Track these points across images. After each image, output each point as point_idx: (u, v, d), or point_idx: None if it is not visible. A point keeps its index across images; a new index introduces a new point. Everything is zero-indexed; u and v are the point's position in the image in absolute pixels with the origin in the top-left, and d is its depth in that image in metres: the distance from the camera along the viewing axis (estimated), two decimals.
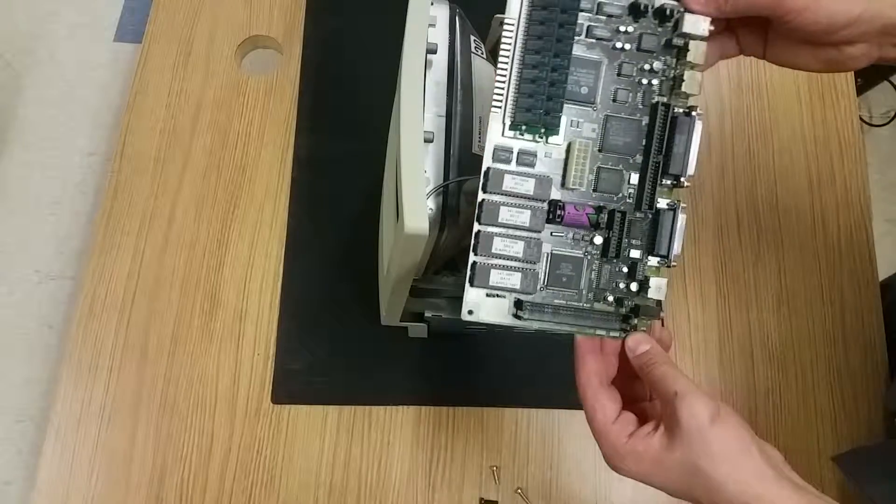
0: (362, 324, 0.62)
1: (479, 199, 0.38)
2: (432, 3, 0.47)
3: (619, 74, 0.38)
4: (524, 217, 0.38)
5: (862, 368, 0.65)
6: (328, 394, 0.61)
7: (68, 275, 1.28)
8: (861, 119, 0.99)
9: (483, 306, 0.38)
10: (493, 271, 0.38)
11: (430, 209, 0.43)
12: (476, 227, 0.38)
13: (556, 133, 0.38)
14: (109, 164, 0.67)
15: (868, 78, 1.46)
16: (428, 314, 0.56)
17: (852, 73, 0.75)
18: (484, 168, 0.38)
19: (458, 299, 0.56)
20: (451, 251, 0.48)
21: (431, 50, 0.45)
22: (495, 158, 0.38)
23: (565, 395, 0.61)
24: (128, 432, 0.59)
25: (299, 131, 0.69)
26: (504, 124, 0.38)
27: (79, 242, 1.30)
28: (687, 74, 0.38)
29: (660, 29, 0.38)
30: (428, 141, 0.44)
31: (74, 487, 0.57)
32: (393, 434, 0.60)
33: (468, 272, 0.38)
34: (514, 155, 0.38)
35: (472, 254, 0.38)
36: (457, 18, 0.49)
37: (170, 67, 0.70)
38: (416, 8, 0.43)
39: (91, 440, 0.58)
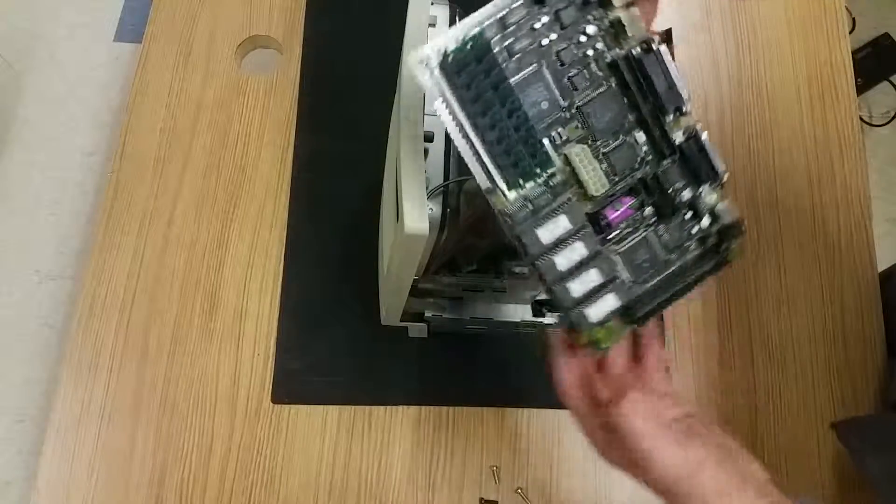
0: (362, 324, 0.62)
1: (532, 263, 0.37)
2: (432, 3, 0.47)
3: (562, 65, 0.36)
4: (579, 250, 0.37)
5: (862, 368, 0.65)
6: (328, 394, 0.61)
7: (68, 275, 1.28)
8: (861, 119, 0.99)
9: (604, 338, 0.38)
10: (587, 311, 0.38)
11: (430, 209, 0.43)
12: (546, 286, 0.37)
13: (551, 162, 0.37)
14: (109, 164, 0.67)
15: (868, 78, 1.46)
16: (428, 314, 0.56)
17: (852, 72, 0.75)
18: (516, 236, 0.37)
19: (458, 299, 0.57)
20: (451, 251, 0.48)
21: None
22: (518, 222, 0.37)
23: None
24: (128, 432, 0.59)
25: (299, 131, 0.69)
26: (503, 192, 0.36)
27: (79, 242, 1.30)
28: (624, 17, 0.36)
29: None
30: (428, 141, 0.44)
31: (74, 487, 0.57)
32: (393, 434, 0.60)
33: (570, 325, 0.38)
34: (531, 207, 0.37)
35: (561, 310, 0.38)
36: (457, 18, 0.49)
37: (170, 67, 0.70)
38: (416, 8, 0.43)
39: (91, 440, 0.58)
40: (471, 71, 0.34)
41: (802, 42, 0.76)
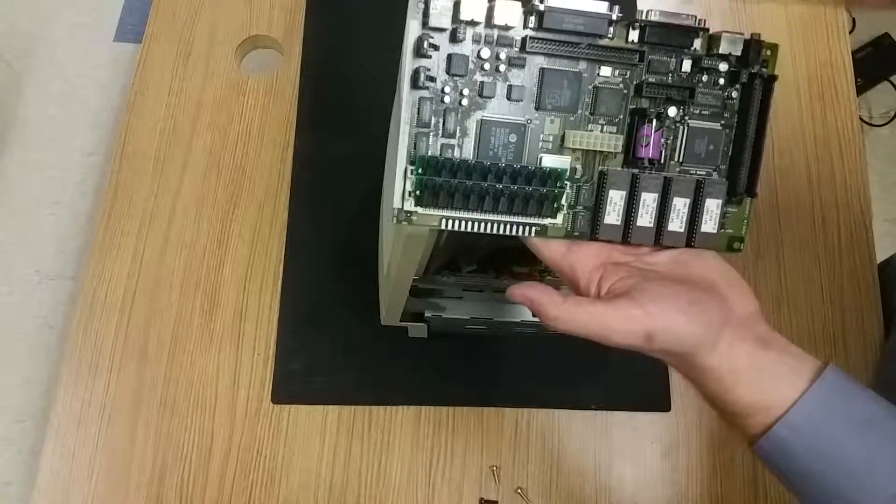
0: (362, 324, 0.62)
1: (630, 243, 0.37)
2: None
3: (489, 95, 0.35)
4: (649, 198, 0.36)
5: (862, 368, 0.65)
6: (328, 394, 0.61)
7: (68, 275, 1.28)
8: (861, 119, 0.99)
9: (736, 235, 0.38)
10: (705, 230, 0.37)
11: None
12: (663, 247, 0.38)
13: (559, 169, 0.35)
14: (109, 164, 0.67)
15: (868, 78, 1.46)
16: (428, 314, 0.56)
17: (852, 72, 0.75)
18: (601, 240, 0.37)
19: (458, 299, 0.57)
20: (451, 251, 0.48)
21: None
22: (585, 231, 0.37)
23: (565, 395, 0.61)
24: (128, 432, 0.59)
25: (299, 131, 0.69)
26: (553, 225, 0.36)
27: (79, 242, 1.30)
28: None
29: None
30: None
31: (74, 487, 0.57)
32: (393, 434, 0.60)
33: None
34: (582, 208, 0.36)
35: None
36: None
37: (170, 67, 0.70)
38: (416, 8, 0.43)
39: (91, 440, 0.58)
40: (444, 197, 0.34)
41: (802, 42, 0.76)
